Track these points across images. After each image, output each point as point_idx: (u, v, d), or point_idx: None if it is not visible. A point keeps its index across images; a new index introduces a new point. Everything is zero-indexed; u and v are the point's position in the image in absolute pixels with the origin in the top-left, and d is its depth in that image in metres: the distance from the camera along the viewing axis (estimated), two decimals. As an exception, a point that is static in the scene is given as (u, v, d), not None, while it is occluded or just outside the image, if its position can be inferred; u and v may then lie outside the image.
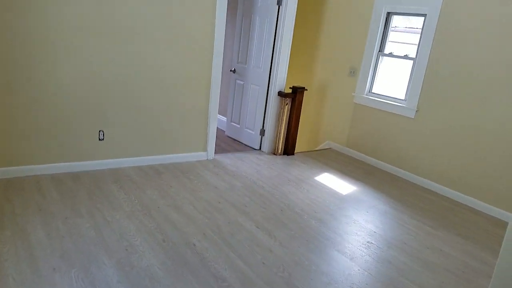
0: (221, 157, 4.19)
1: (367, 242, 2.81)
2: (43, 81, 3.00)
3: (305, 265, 2.42)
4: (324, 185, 3.79)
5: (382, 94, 4.55)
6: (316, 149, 5.26)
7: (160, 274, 2.14)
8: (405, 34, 4.40)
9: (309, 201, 3.36)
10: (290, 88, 4.40)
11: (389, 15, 4.41)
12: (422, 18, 4.08)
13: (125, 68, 3.33)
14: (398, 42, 4.46)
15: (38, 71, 2.96)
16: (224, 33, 3.75)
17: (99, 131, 3.38)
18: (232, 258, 2.37)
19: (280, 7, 4.12)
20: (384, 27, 4.45)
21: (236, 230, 2.72)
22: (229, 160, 4.14)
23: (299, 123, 5.51)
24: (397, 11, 4.31)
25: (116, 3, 3.12)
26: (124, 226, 2.58)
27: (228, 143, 4.76)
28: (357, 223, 3.09)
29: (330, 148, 5.17)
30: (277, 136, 4.50)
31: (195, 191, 3.26)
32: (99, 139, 3.40)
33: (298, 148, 5.47)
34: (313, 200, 3.39)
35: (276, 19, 4.16)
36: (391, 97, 4.45)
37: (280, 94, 4.33)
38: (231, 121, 4.96)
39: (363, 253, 2.64)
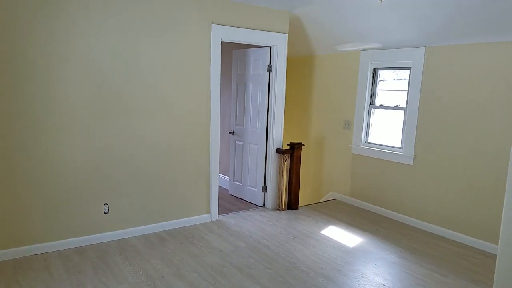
0: (225, 218, 4.19)
1: (377, 297, 2.72)
2: (46, 159, 3.13)
3: (314, 328, 2.33)
4: (330, 238, 3.74)
5: (379, 143, 4.63)
6: (321, 201, 5.24)
7: None
8: (395, 83, 4.57)
9: (315, 258, 3.30)
10: (287, 144, 4.51)
11: (375, 70, 4.62)
12: (408, 71, 4.26)
13: (126, 142, 3.47)
14: (389, 90, 4.62)
15: (41, 149, 3.10)
16: (219, 103, 3.95)
17: (104, 204, 3.45)
18: (237, 326, 2.31)
19: (271, 73, 4.37)
20: (372, 81, 4.64)
21: (242, 295, 2.66)
22: (233, 220, 4.14)
23: (301, 177, 5.57)
24: (382, 66, 4.52)
25: (118, 83, 3.34)
26: (128, 299, 2.55)
27: (232, 202, 4.78)
28: (365, 277, 3.00)
29: (334, 199, 5.15)
30: (279, 191, 4.52)
31: (199, 256, 3.24)
32: (104, 212, 3.46)
33: (302, 201, 5.46)
34: (320, 256, 3.33)
35: (268, 84, 4.40)
36: (388, 146, 4.52)
37: (279, 151, 4.43)
38: (234, 180, 5.02)
39: (373, 310, 2.54)
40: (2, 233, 3.02)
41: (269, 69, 4.36)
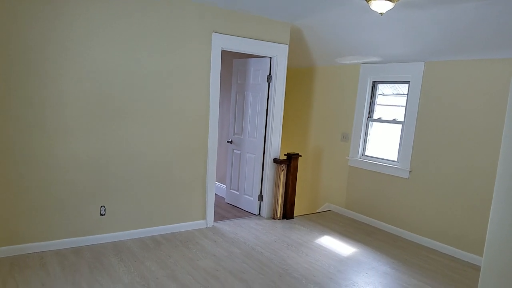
0: (220, 224, 4.33)
1: (366, 305, 2.84)
2: (44, 160, 3.28)
3: (303, 331, 2.45)
4: (324, 247, 3.87)
5: (375, 156, 4.79)
6: (316, 211, 5.38)
7: None
8: (394, 97, 4.75)
9: (308, 265, 3.43)
10: (285, 155, 4.67)
11: (374, 83, 4.81)
12: (407, 85, 4.45)
13: (124, 147, 3.63)
14: (387, 105, 4.80)
15: (40, 151, 3.26)
16: (217, 111, 4.12)
17: (101, 206, 3.58)
18: (228, 327, 2.43)
19: (270, 83, 4.55)
20: (371, 95, 4.83)
21: (234, 297, 2.79)
22: (228, 227, 4.27)
23: (298, 187, 5.72)
24: (382, 80, 4.71)
25: (117, 89, 3.51)
26: (123, 298, 2.68)
27: (228, 210, 4.92)
28: (356, 285, 3.13)
29: (330, 210, 5.29)
30: (275, 201, 4.66)
31: (193, 260, 3.37)
32: (101, 214, 3.60)
33: (298, 211, 5.60)
34: (312, 264, 3.46)
35: (267, 94, 4.58)
36: (384, 159, 4.68)
37: (276, 161, 4.59)
38: (231, 188, 5.17)
39: (361, 316, 2.67)
40: (0, 230, 3.15)
41: (269, 79, 4.55)
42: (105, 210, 3.61)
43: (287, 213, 4.69)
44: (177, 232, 3.99)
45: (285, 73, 4.54)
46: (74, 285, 2.81)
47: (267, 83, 4.56)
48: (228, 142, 5.16)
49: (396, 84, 4.65)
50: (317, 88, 5.49)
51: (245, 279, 3.09)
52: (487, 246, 2.26)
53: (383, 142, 4.79)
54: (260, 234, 4.13)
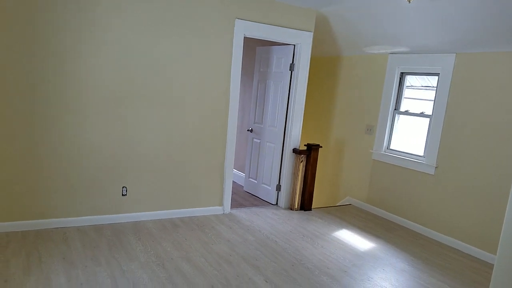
0: (237, 212, 4.37)
1: (379, 299, 2.81)
2: (72, 142, 3.42)
3: (311, 320, 2.46)
4: (341, 241, 3.84)
5: (401, 150, 4.67)
6: (336, 205, 5.33)
7: (166, 322, 2.28)
8: (422, 91, 4.61)
9: (323, 257, 3.42)
10: (305, 145, 4.64)
11: (402, 75, 4.67)
12: (436, 77, 4.30)
13: (145, 131, 3.72)
14: (415, 99, 4.67)
15: (67, 133, 3.39)
16: (238, 99, 4.14)
17: (123, 187, 3.70)
18: (237, 310, 2.47)
19: (293, 72, 4.51)
20: (399, 86, 4.70)
21: (244, 283, 2.82)
22: (244, 214, 4.31)
23: (318, 179, 5.68)
24: (410, 71, 4.57)
25: (140, 75, 3.59)
26: (137, 275, 2.77)
27: (246, 198, 4.96)
28: (371, 280, 3.09)
29: (350, 204, 5.23)
30: (293, 191, 4.65)
31: (208, 243, 3.43)
32: (122, 195, 3.72)
33: (318, 204, 5.57)
34: (327, 256, 3.45)
35: (289, 83, 4.54)
36: (409, 154, 4.56)
37: (295, 151, 4.57)
38: (249, 177, 5.20)
39: (373, 310, 2.64)
40: (27, 205, 3.32)
41: (291, 67, 4.50)
42: (126, 191, 3.73)
43: (305, 205, 4.67)
44: (194, 216, 4.08)
45: (308, 61, 4.48)
46: (93, 260, 2.93)
47: (290, 71, 4.52)
48: (248, 130, 5.17)
49: (425, 76, 4.50)
50: (342, 78, 5.39)
51: (257, 265, 3.12)
52: (501, 245, 2.18)
53: (409, 136, 4.67)
54: (276, 223, 4.15)
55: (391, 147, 4.80)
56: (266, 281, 2.88)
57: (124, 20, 3.42)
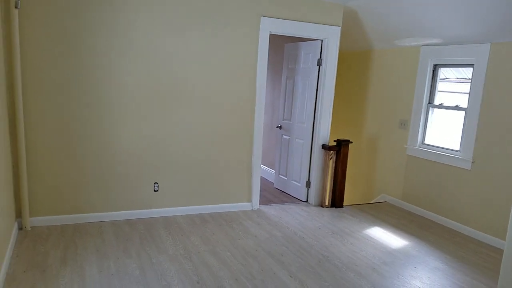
0: (265, 208, 4.42)
1: (407, 297, 2.74)
2: (106, 140, 3.62)
3: (334, 315, 2.45)
4: (372, 238, 3.77)
5: (436, 145, 4.51)
6: (370, 202, 5.22)
7: (189, 312, 2.37)
8: (457, 84, 4.43)
9: (351, 254, 3.38)
10: (334, 141, 4.59)
11: (435, 67, 4.51)
12: (471, 69, 4.11)
13: (174, 129, 3.85)
14: (450, 92, 4.49)
15: (102, 131, 3.59)
16: (264, 95, 4.19)
17: (154, 183, 3.86)
18: (259, 303, 2.52)
19: (320, 67, 4.48)
20: (432, 79, 4.54)
21: (269, 278, 2.86)
22: (273, 211, 4.35)
23: (352, 176, 5.60)
24: (443, 63, 4.40)
25: (168, 74, 3.73)
26: (165, 267, 2.89)
27: (275, 195, 4.99)
28: (400, 277, 3.03)
29: (385, 202, 5.11)
30: (323, 188, 4.63)
31: (235, 238, 3.50)
32: (154, 191, 3.88)
33: (352, 201, 5.49)
34: (356, 254, 3.41)
35: (317, 78, 4.53)
36: (445, 149, 4.39)
37: (324, 147, 4.54)
38: (279, 174, 5.23)
39: (399, 307, 2.59)
40: (66, 201, 3.56)
41: (319, 62, 4.48)
42: (158, 186, 3.88)
43: (336, 202, 4.63)
44: (223, 212, 4.17)
45: (336, 56, 4.44)
46: (124, 253, 3.09)
47: (317, 67, 4.51)
48: (277, 127, 5.20)
49: (460, 68, 4.31)
50: (374, 72, 5.28)
51: (282, 261, 3.15)
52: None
53: (444, 130, 4.49)
54: (304, 220, 4.15)
55: (425, 142, 4.64)
56: (290, 276, 2.90)
57: (151, 22, 3.57)
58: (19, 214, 3.39)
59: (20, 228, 3.39)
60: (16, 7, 3.03)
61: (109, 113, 3.58)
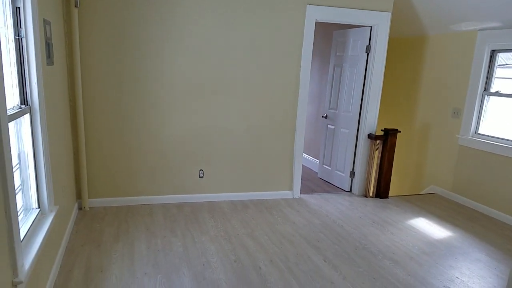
0: (307, 197, 4.52)
1: (444, 286, 2.73)
2: (155, 129, 3.94)
3: (364, 299, 2.54)
4: (414, 228, 3.74)
5: (491, 135, 4.30)
6: (419, 193, 5.10)
7: (225, 287, 2.58)
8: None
9: (390, 243, 3.40)
10: (381, 130, 4.55)
11: (493, 52, 4.28)
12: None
13: (220, 119, 4.08)
14: (508, 78, 4.24)
15: (152, 121, 3.91)
16: (308, 86, 4.26)
17: (200, 170, 4.14)
18: (291, 284, 2.67)
19: (369, 54, 4.45)
20: (489, 65, 4.31)
21: (303, 261, 2.99)
22: (314, 199, 4.44)
23: (401, 166, 5.50)
24: (502, 48, 4.16)
25: (214, 64, 3.95)
26: (206, 246, 3.14)
27: (319, 184, 5.06)
28: (438, 267, 3.01)
29: (434, 193, 4.97)
30: (368, 178, 4.62)
31: (273, 224, 3.67)
32: (200, 177, 4.16)
33: (399, 192, 5.41)
34: (395, 243, 3.42)
35: (365, 66, 4.50)
36: (500, 138, 4.18)
37: (370, 136, 4.52)
38: (323, 164, 5.28)
39: (432, 296, 2.60)
40: (121, 185, 3.95)
41: (368, 49, 4.45)
42: (203, 173, 4.16)
43: (381, 192, 4.60)
44: (264, 199, 4.35)
45: (386, 42, 4.38)
46: (171, 232, 3.39)
47: (366, 54, 4.47)
48: (323, 117, 5.24)
49: (521, 51, 4.06)
50: (425, 59, 5.11)
51: (318, 246, 3.26)
52: None
53: (500, 119, 4.26)
54: (345, 209, 4.20)
55: (479, 132, 4.44)
56: (324, 261, 3.01)
57: (201, 13, 3.79)
58: (79, 196, 3.84)
59: (80, 208, 3.84)
60: (75, 6, 3.41)
61: (159, 104, 3.89)
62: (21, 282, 1.65)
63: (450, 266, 3.04)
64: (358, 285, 2.70)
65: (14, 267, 1.65)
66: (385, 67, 5.57)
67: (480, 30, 4.33)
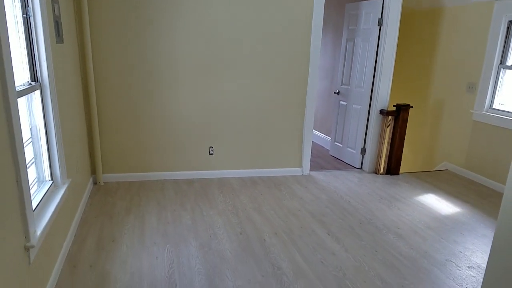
0: (316, 174, 4.59)
1: (446, 260, 2.79)
2: (168, 110, 4.04)
3: (364, 270, 2.62)
4: (422, 204, 3.77)
5: (506, 110, 4.22)
6: (432, 170, 5.09)
7: (229, 256, 2.71)
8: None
9: (396, 218, 3.45)
10: (393, 106, 4.52)
11: (510, 24, 4.15)
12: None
13: (229, 97, 4.15)
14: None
15: (162, 100, 4.01)
16: (317, 63, 4.25)
17: (209, 147, 4.25)
18: (293, 254, 2.77)
19: (381, 28, 4.38)
20: (506, 37, 4.19)
21: (306, 234, 3.09)
22: (323, 176, 4.50)
23: (413, 142, 5.47)
24: (519, 17, 4.04)
25: (221, 43, 3.99)
26: (214, 219, 3.27)
27: (329, 162, 5.11)
28: (442, 242, 3.05)
29: (446, 170, 4.94)
30: (378, 155, 4.63)
31: (281, 199, 3.77)
32: (210, 154, 4.27)
33: (411, 169, 5.40)
34: (401, 218, 3.46)
35: (377, 40, 4.44)
36: (516, 113, 4.11)
37: (382, 112, 4.50)
38: (335, 141, 5.31)
39: (432, 268, 2.66)
40: (134, 161, 4.11)
41: (380, 22, 4.38)
42: (213, 150, 4.27)
43: (392, 169, 4.62)
44: (273, 176, 4.44)
45: (399, 15, 4.29)
46: (181, 206, 3.54)
47: (378, 27, 4.41)
48: (335, 93, 5.23)
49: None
50: (440, 31, 4.99)
51: (323, 221, 3.34)
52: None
53: (516, 94, 4.18)
54: (354, 186, 4.25)
55: (494, 107, 4.36)
56: (328, 234, 3.10)
57: (204, -6, 3.83)
58: (94, 171, 4.02)
59: (95, 183, 4.03)
60: (85, -11, 3.50)
61: (169, 82, 3.98)
62: (32, 247, 1.81)
63: (454, 241, 3.07)
64: (359, 257, 2.78)
65: (26, 232, 1.80)
66: (399, 41, 5.49)
67: (497, 0, 4.19)
